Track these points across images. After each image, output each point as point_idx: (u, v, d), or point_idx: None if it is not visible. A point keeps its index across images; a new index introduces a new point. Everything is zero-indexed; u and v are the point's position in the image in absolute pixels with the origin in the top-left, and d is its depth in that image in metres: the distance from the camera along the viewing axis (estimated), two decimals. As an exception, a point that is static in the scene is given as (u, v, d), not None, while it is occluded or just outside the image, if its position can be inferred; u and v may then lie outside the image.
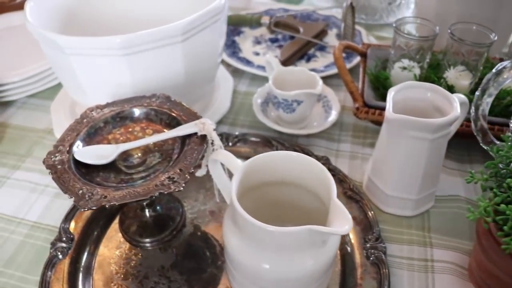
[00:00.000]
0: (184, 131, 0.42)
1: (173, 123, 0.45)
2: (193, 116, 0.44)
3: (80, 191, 0.37)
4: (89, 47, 0.47)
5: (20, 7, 0.86)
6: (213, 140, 0.42)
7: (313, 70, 0.63)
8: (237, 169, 0.37)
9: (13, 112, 0.66)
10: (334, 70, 0.67)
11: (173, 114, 0.45)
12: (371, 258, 0.43)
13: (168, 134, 0.42)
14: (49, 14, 0.57)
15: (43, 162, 0.40)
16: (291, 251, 0.34)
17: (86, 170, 0.41)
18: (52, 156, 0.41)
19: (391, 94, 0.46)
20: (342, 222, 0.32)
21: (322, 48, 0.76)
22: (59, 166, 0.40)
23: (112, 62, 0.48)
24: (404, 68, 0.58)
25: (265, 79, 0.68)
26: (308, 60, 0.73)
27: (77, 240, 0.46)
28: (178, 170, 0.38)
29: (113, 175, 0.41)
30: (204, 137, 0.41)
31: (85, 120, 0.45)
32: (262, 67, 0.69)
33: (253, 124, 0.62)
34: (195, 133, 0.41)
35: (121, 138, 0.45)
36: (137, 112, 0.46)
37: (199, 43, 0.51)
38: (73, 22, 0.60)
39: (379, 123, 0.58)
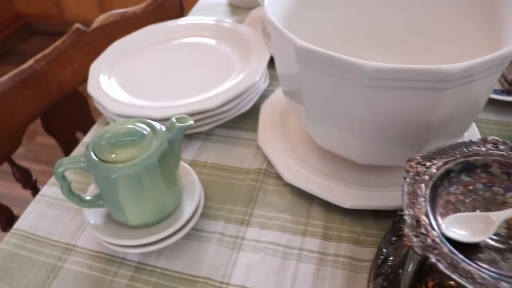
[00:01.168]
0: None
1: (529, 178, 0.35)
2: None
3: (501, 290, 0.27)
4: (417, 79, 0.35)
5: (154, 17, 0.75)
6: None
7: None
8: None
9: (201, 147, 0.54)
10: None
11: (529, 167, 0.35)
12: None
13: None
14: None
15: (407, 244, 0.30)
16: None
17: (459, 251, 0.31)
18: (416, 234, 0.31)
19: None
20: None
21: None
22: (436, 250, 0.30)
23: (434, 96, 0.37)
24: None
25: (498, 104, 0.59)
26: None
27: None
28: None
29: (499, 258, 0.31)
30: None
31: (417, 178, 0.35)
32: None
33: None
34: None
35: (467, 201, 0.34)
36: (473, 164, 0.36)
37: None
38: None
39: None
